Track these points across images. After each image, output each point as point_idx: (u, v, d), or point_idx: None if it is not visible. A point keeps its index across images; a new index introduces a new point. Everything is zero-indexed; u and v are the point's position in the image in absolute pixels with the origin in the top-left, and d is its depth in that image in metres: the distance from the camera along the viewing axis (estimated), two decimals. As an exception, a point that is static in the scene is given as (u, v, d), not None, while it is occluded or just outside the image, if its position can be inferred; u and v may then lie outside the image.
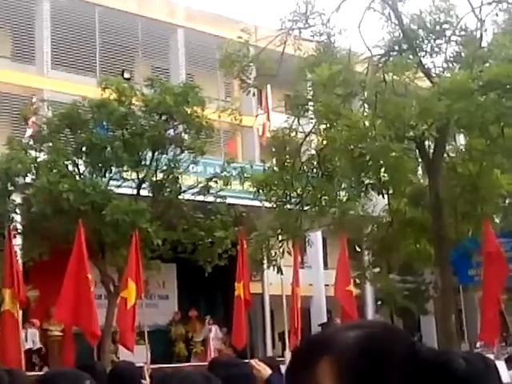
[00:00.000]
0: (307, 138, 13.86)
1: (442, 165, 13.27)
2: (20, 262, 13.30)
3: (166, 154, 15.54)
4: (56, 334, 16.18)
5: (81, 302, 11.40)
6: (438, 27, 13.18)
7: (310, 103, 13.44)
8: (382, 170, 12.49)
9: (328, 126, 12.51)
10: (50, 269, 14.31)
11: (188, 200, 15.53)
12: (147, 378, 6.15)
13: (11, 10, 23.19)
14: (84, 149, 14.92)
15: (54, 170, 14.20)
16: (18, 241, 13.66)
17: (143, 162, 15.24)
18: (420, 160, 13.60)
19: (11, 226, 13.73)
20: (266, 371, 3.98)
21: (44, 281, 13.96)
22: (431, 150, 13.08)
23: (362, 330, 1.18)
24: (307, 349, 1.22)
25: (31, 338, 16.20)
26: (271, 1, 47.88)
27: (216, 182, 15.68)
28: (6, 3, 22.86)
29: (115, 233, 13.80)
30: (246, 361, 4.16)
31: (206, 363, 3.73)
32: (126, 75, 22.98)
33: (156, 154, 15.31)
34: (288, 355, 12.90)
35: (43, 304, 15.89)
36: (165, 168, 15.43)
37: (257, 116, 23.48)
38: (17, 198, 14.54)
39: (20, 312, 12.00)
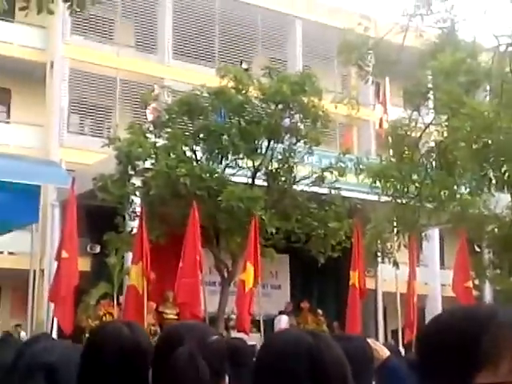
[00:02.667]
0: (426, 130, 13.45)
1: None
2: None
3: (282, 143, 15.49)
4: (171, 317, 16.48)
5: (189, 283, 11.46)
6: None
7: (431, 92, 13.03)
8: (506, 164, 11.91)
9: (450, 115, 12.09)
10: (165, 252, 14.60)
11: (302, 190, 15.45)
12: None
13: (135, 1, 23.92)
14: (201, 135, 15.09)
15: (173, 155, 14.43)
16: (136, 223, 13.93)
17: (259, 151, 15.26)
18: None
19: (137, 208, 14.01)
20: (384, 352, 3.80)
21: (160, 263, 14.18)
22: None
23: None
24: None
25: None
26: (391, -6, 46.92)
27: (331, 172, 15.48)
28: (130, -5, 23.62)
29: (230, 219, 13.89)
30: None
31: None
32: (244, 66, 23.17)
33: (272, 142, 15.29)
34: (401, 350, 12.56)
35: (158, 286, 16.19)
36: (280, 157, 15.38)
37: (374, 107, 23.14)
38: (137, 182, 14.89)
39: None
